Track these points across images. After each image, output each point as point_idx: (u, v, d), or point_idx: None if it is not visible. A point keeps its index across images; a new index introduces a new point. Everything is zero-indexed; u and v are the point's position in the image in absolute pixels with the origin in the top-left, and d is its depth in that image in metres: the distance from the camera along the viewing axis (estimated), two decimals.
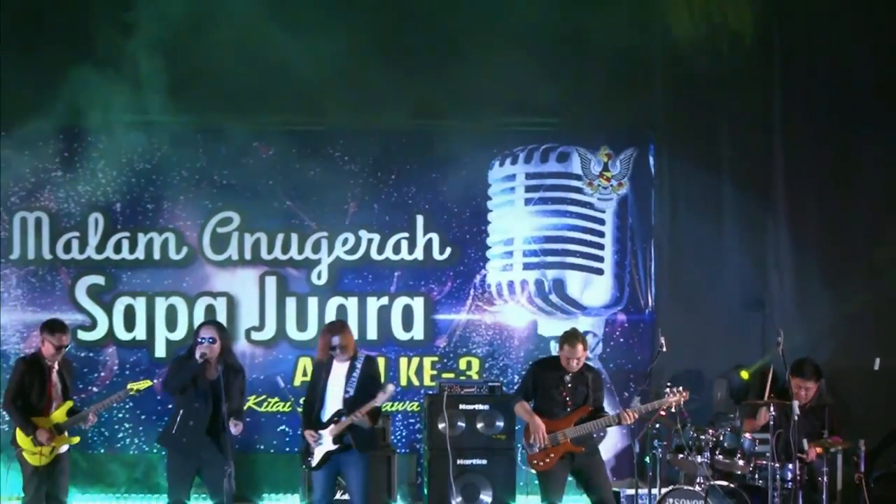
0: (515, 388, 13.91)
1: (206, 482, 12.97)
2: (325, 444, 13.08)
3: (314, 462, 13.16)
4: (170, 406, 13.77)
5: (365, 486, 13.25)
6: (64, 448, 13.52)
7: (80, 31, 15.36)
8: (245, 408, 14.27)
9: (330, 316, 16.48)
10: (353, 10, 15.27)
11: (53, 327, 13.70)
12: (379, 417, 13.43)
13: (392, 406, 16.32)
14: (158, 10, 15.29)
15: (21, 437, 13.40)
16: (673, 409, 13.55)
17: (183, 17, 15.28)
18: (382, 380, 14.07)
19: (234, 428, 12.70)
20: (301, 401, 13.61)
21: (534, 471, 13.26)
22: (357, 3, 15.38)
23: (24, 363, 13.87)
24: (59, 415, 13.49)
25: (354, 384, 13.15)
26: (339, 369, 13.22)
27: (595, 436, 13.43)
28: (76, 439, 13.67)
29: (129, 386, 13.55)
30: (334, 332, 13.25)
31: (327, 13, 15.24)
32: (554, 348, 16.28)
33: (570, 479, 13.41)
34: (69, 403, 13.58)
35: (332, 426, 13.02)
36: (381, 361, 16.17)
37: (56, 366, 13.59)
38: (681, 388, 13.52)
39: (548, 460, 13.01)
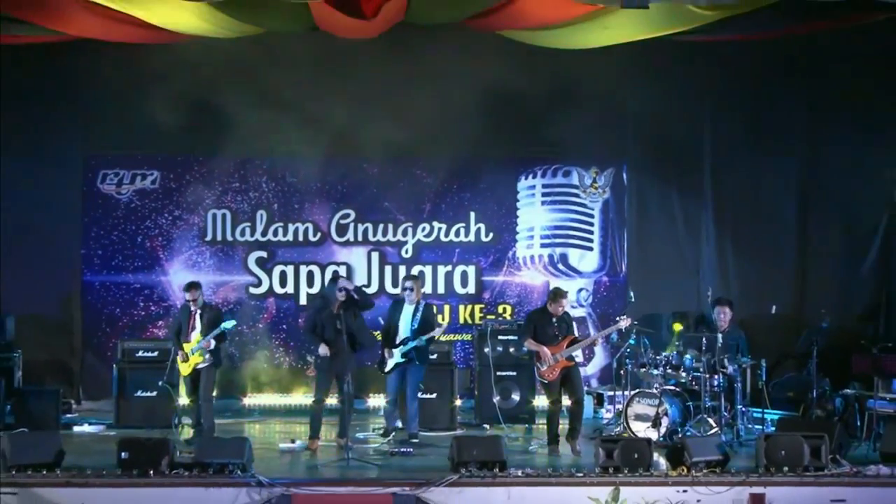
0: (522, 329, 13.86)
1: (337, 382, 13.40)
2: (396, 356, 13.74)
3: (388, 369, 13.85)
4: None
5: (415, 385, 13.88)
6: (201, 364, 13.64)
7: (252, 90, 15.42)
8: None
9: None
10: (438, 83, 15.33)
11: (184, 287, 14.14)
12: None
13: (454, 337, 16.43)
14: (306, 71, 15.41)
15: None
16: (623, 329, 13.72)
17: (324, 79, 15.59)
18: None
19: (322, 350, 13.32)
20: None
21: (545, 381, 13.29)
22: (436, 83, 15.37)
23: (180, 309, 14.27)
24: (192, 343, 13.63)
25: (419, 319, 13.82)
26: (408, 307, 13.89)
27: (580, 352, 13.72)
28: (200, 358, 13.64)
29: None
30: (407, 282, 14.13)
31: (415, 94, 15.45)
32: None
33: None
34: (199, 337, 13.63)
35: (401, 346, 13.71)
36: (446, 308, 16.72)
37: (199, 310, 13.76)
38: (625, 316, 13.71)
39: (554, 374, 13.14)
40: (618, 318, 13.74)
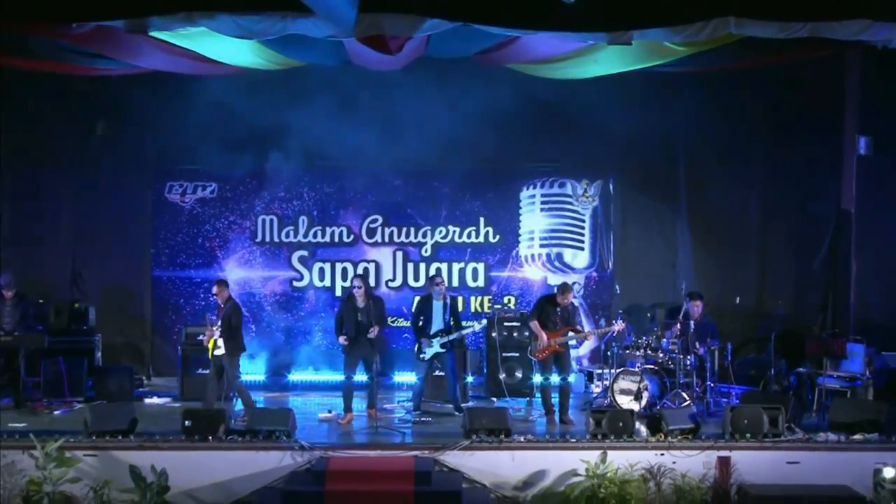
0: (531, 311, 13.90)
1: (363, 365, 13.48)
2: (435, 346, 13.71)
3: (427, 357, 13.79)
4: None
5: (456, 368, 13.93)
6: (217, 351, 13.34)
7: (295, 115, 15.34)
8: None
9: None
10: (453, 108, 15.22)
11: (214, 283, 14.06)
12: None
13: (466, 323, 16.21)
14: (341, 98, 15.47)
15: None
16: (615, 333, 13.90)
17: (357, 105, 15.68)
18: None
19: (371, 332, 13.21)
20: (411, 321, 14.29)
21: (536, 360, 13.56)
22: (451, 109, 15.27)
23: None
24: (214, 329, 13.40)
25: (449, 314, 13.84)
26: (436, 303, 13.84)
27: (574, 342, 13.77)
28: (211, 343, 13.42)
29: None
30: (436, 279, 14.15)
31: (433, 118, 15.29)
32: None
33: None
34: (216, 327, 13.39)
35: (438, 336, 13.71)
36: (459, 299, 16.41)
37: (223, 304, 13.57)
38: (621, 321, 13.87)
39: (544, 354, 13.33)
40: (613, 322, 13.96)
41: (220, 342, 13.40)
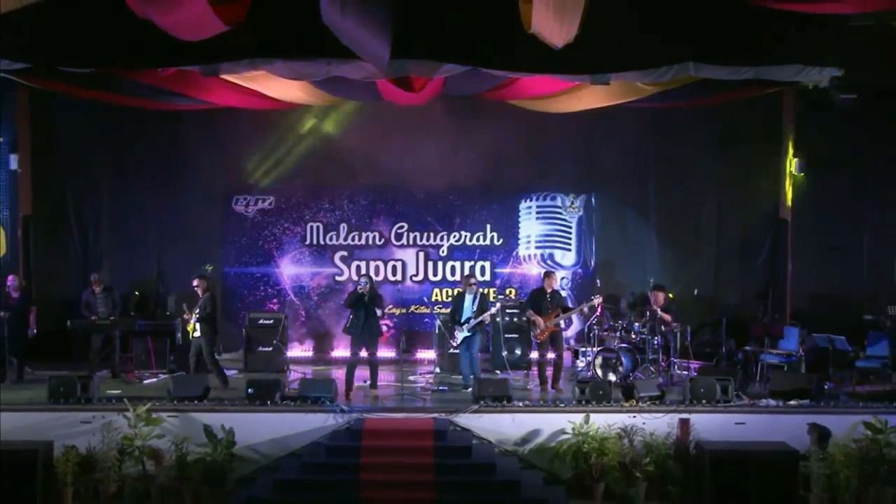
0: (526, 302, 14.01)
1: (365, 346, 13.24)
2: (464, 332, 13.57)
3: (457, 342, 13.67)
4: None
5: (478, 349, 13.71)
6: (196, 334, 13.35)
7: (338, 141, 15.55)
8: (400, 311, 15.13)
9: (448, 271, 16.57)
10: (466, 135, 15.42)
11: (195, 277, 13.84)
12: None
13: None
14: (375, 128, 15.60)
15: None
16: (595, 305, 13.79)
17: (387, 133, 15.65)
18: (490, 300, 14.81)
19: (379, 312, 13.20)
20: (447, 310, 14.32)
21: (537, 341, 13.50)
22: (465, 136, 15.47)
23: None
24: (192, 316, 13.32)
25: (476, 304, 13.67)
26: (468, 297, 13.75)
27: (563, 322, 13.66)
28: (191, 327, 13.46)
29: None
30: (470, 279, 13.94)
31: (450, 143, 15.49)
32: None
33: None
34: (195, 314, 13.32)
35: (466, 324, 13.55)
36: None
37: (201, 294, 13.46)
38: (597, 295, 13.91)
39: (544, 336, 13.30)
40: (592, 297, 13.89)
41: (198, 326, 13.34)
